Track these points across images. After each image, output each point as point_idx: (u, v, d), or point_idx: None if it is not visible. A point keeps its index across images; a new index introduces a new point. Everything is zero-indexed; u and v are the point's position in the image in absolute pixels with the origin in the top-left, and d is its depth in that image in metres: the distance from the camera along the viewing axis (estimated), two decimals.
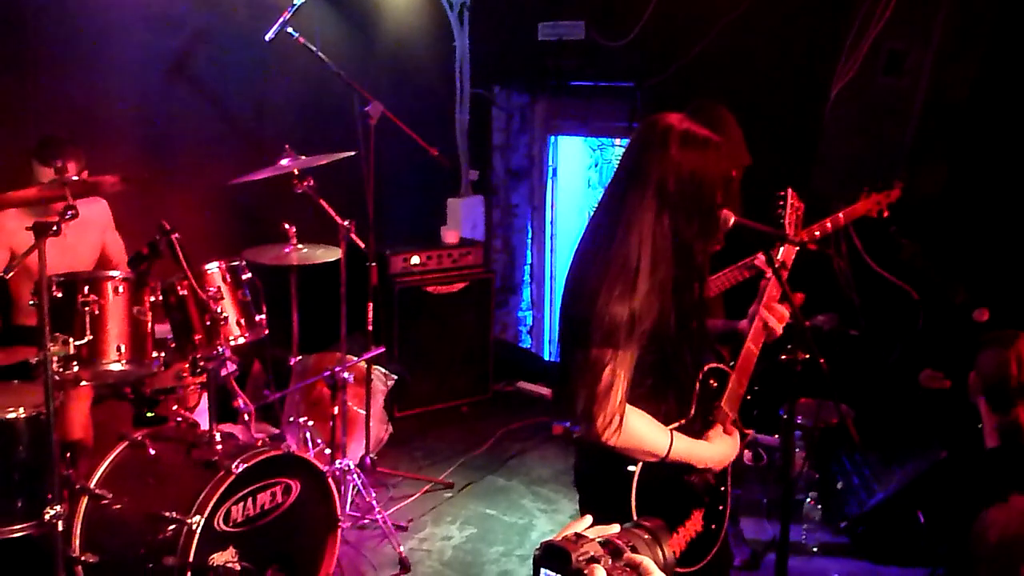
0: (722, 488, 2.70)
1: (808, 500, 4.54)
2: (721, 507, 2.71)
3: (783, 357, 2.99)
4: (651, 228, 2.40)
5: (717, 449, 2.59)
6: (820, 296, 3.27)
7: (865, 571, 4.31)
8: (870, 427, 4.68)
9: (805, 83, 5.24)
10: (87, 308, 3.49)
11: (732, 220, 2.84)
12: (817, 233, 3.79)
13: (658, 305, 2.40)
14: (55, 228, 3.20)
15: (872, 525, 4.38)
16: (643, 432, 2.43)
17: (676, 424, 2.54)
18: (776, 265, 2.84)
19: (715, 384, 2.65)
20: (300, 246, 4.60)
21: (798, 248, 3.08)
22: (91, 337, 3.49)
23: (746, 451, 5.15)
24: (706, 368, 2.63)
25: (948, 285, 4.97)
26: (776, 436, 5.41)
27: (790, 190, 3.16)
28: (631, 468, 2.46)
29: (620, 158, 2.56)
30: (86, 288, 3.51)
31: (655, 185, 2.41)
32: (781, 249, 2.97)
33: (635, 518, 2.37)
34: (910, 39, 4.68)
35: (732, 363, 2.71)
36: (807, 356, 2.94)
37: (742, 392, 2.70)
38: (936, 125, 4.71)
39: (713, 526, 2.66)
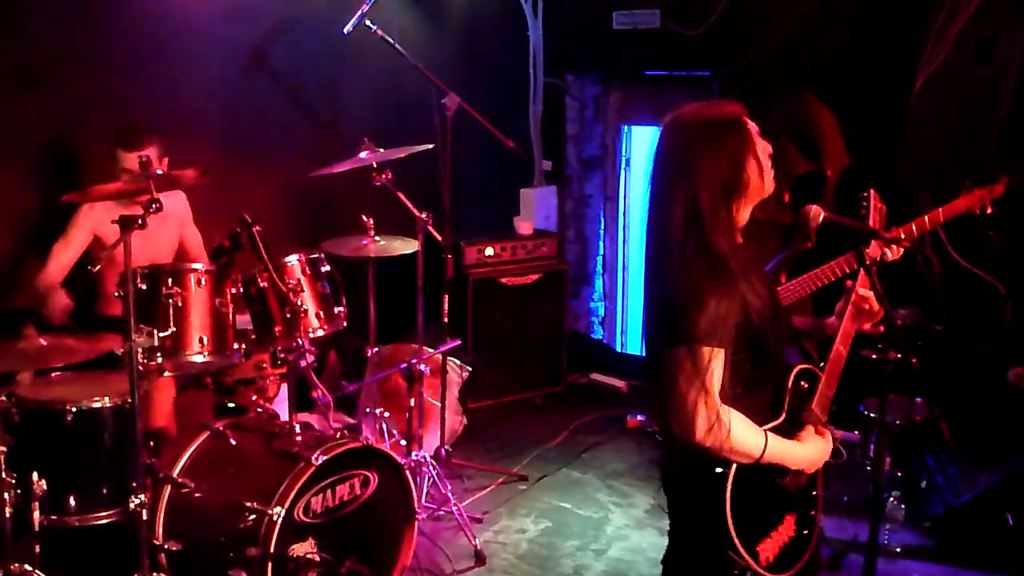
0: (813, 492, 2.64)
1: (891, 499, 4.44)
2: (812, 512, 2.64)
3: (873, 356, 2.92)
4: (720, 224, 2.40)
5: (810, 450, 2.54)
6: (902, 290, 3.18)
7: (949, 574, 4.20)
8: (956, 425, 4.56)
9: (889, 71, 5.11)
10: (171, 300, 3.53)
11: (822, 216, 2.78)
12: (915, 230, 3.66)
13: (742, 300, 2.38)
14: (140, 222, 3.25)
15: (958, 526, 4.27)
16: (739, 433, 2.38)
17: (769, 425, 2.49)
18: (867, 262, 2.77)
19: (806, 386, 2.60)
20: (377, 238, 4.61)
21: (901, 248, 2.99)
22: (174, 329, 3.53)
23: None
24: (797, 369, 2.59)
25: None
26: (856, 432, 5.31)
27: (872, 191, 3.06)
28: (723, 470, 2.42)
29: (655, 158, 2.50)
30: (170, 280, 3.55)
31: (704, 180, 2.40)
32: (874, 247, 2.88)
33: (730, 524, 2.38)
34: (1000, 26, 4.54)
35: (821, 364, 2.66)
36: (899, 356, 2.87)
37: (831, 394, 2.65)
38: None
39: (805, 531, 2.60)
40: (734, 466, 2.41)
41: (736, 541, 2.40)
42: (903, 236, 3.47)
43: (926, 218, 3.72)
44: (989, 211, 3.69)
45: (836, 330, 2.74)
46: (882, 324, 2.80)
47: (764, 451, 2.42)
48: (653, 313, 2.52)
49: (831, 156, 3.86)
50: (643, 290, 2.56)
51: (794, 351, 2.69)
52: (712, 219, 2.40)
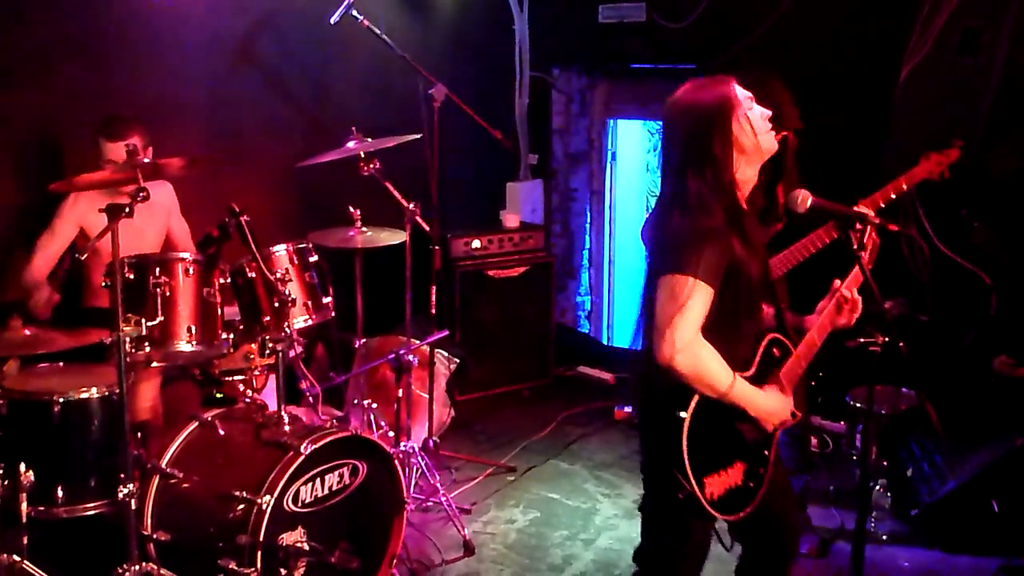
0: (765, 451, 2.82)
1: (877, 488, 4.47)
2: (761, 470, 2.82)
3: (860, 340, 2.95)
4: (692, 181, 2.65)
5: (771, 402, 2.75)
6: (888, 280, 3.21)
7: (936, 560, 4.23)
8: (942, 414, 4.58)
9: (874, 62, 5.14)
10: (158, 290, 3.51)
11: (810, 201, 2.80)
12: (881, 202, 3.75)
13: (738, 256, 2.62)
14: (128, 210, 3.23)
15: (944, 513, 4.29)
16: (709, 362, 2.59)
17: (740, 374, 2.68)
18: (855, 247, 2.79)
19: (778, 353, 2.82)
20: (364, 229, 4.60)
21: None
22: (162, 318, 3.51)
23: (812, 438, 5.09)
24: (772, 336, 2.82)
25: (1021, 269, 4.85)
26: (842, 423, 5.35)
27: (872, 229, 3.10)
28: (688, 396, 2.61)
29: (661, 140, 2.81)
30: (157, 270, 3.53)
31: (676, 149, 2.70)
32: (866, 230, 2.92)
33: (684, 447, 2.59)
34: (985, 16, 4.57)
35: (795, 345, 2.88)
36: (885, 339, 2.89)
37: (799, 373, 2.86)
38: (1011, 106, 4.60)
39: (751, 484, 2.79)
40: (697, 396, 2.62)
41: (686, 465, 2.60)
42: (872, 210, 3.50)
43: (890, 187, 3.80)
44: (946, 176, 3.84)
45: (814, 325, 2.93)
46: (866, 313, 2.92)
47: (730, 388, 2.63)
48: (650, 253, 2.75)
49: (787, 118, 3.90)
50: (647, 248, 2.79)
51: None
52: (715, 187, 2.64)
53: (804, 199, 2.78)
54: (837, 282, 2.96)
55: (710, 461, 2.67)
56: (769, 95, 3.94)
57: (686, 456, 2.60)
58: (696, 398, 2.62)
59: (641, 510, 2.92)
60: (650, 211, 2.83)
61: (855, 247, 2.80)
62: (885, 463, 4.66)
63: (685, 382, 2.59)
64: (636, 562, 3.00)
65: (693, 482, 2.62)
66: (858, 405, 4.81)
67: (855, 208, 2.94)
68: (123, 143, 3.92)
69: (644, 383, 2.78)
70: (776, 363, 2.83)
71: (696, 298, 2.53)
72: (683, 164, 2.67)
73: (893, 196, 3.84)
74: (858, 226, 2.89)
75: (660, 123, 2.76)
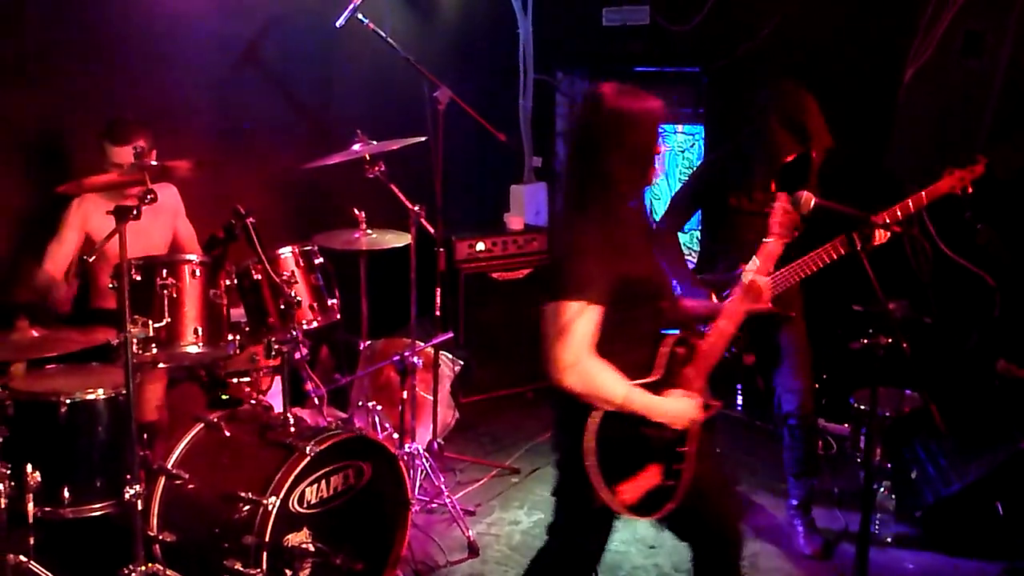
0: (681, 449, 2.87)
1: (881, 490, 4.47)
2: (679, 466, 2.87)
3: (864, 341, 2.96)
4: (604, 196, 2.71)
5: (673, 405, 2.80)
6: (891, 282, 3.23)
7: (940, 563, 4.23)
8: (946, 416, 4.60)
9: (878, 65, 5.15)
10: (165, 291, 3.53)
11: (813, 202, 2.82)
12: (899, 213, 3.72)
13: (619, 266, 2.68)
14: (135, 212, 3.25)
15: (948, 516, 4.30)
16: (601, 378, 2.67)
17: (639, 381, 2.75)
18: (858, 247, 2.81)
19: (683, 352, 2.87)
20: (369, 231, 4.62)
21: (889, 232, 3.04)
22: (169, 320, 3.53)
23: (817, 441, 5.10)
24: (674, 336, 2.88)
25: None
26: (846, 425, 5.35)
27: (784, 195, 3.12)
28: (591, 413, 2.69)
29: (568, 130, 2.78)
30: (164, 271, 3.55)
31: (599, 154, 2.70)
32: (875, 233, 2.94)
33: (593, 461, 2.65)
34: (988, 20, 4.59)
35: (704, 334, 2.95)
36: (889, 341, 2.91)
37: (713, 362, 2.91)
38: (1015, 108, 4.61)
39: (670, 482, 2.85)
40: (599, 412, 2.69)
41: (597, 479, 2.68)
42: (890, 220, 3.51)
43: (910, 201, 3.80)
44: (970, 191, 3.83)
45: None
46: (862, 304, 2.96)
47: (626, 399, 2.69)
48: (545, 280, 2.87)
49: (816, 137, 3.92)
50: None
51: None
52: (608, 194, 2.71)
53: (807, 200, 2.81)
54: (743, 266, 3.00)
55: (621, 469, 2.74)
56: (801, 111, 3.99)
57: (594, 473, 2.67)
58: (597, 415, 2.68)
59: (553, 494, 3.02)
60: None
61: (858, 247, 2.81)
62: (889, 465, 4.66)
63: (579, 399, 2.67)
64: (549, 534, 3.11)
65: (606, 494, 2.70)
66: (862, 407, 4.82)
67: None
68: (129, 147, 3.94)
69: (555, 393, 2.83)
70: (683, 361, 2.88)
71: (579, 319, 2.61)
72: (595, 170, 2.71)
73: (912, 209, 3.84)
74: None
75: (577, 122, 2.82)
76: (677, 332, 2.90)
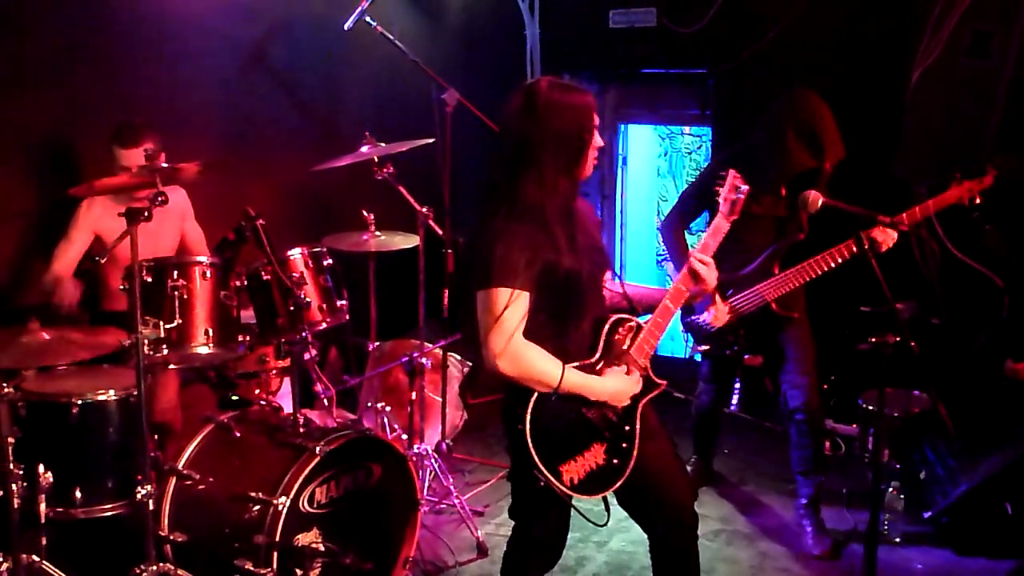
0: (627, 427, 2.91)
1: (890, 490, 4.47)
2: (625, 444, 2.91)
3: (872, 340, 2.97)
4: (532, 183, 2.72)
5: (610, 383, 2.86)
6: (899, 282, 3.24)
7: (949, 562, 4.24)
8: (954, 417, 4.60)
9: (885, 66, 5.16)
10: (176, 292, 3.55)
11: (821, 201, 2.84)
12: (907, 221, 3.73)
13: (547, 251, 2.72)
14: (147, 214, 3.27)
15: (957, 516, 4.30)
16: (534, 362, 2.72)
17: (578, 363, 2.81)
18: (866, 246, 2.82)
19: (622, 333, 2.93)
20: (378, 233, 4.63)
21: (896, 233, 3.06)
22: (180, 321, 3.56)
23: (825, 441, 5.10)
24: (614, 318, 2.92)
25: None
26: (854, 425, 5.36)
27: (732, 171, 3.12)
28: (526, 396, 2.74)
29: (501, 122, 2.86)
30: (175, 273, 3.58)
31: (531, 145, 2.72)
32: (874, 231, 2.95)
33: (529, 443, 2.70)
34: (995, 20, 4.59)
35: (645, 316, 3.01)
36: (897, 339, 2.92)
37: (655, 342, 2.96)
38: (1022, 108, 4.61)
39: (616, 460, 2.90)
40: (535, 393, 2.73)
41: (535, 459, 2.71)
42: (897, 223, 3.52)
43: (917, 209, 3.81)
44: (978, 201, 3.83)
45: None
46: (870, 305, 2.97)
47: (560, 381, 2.73)
48: (466, 267, 2.92)
49: (830, 150, 3.94)
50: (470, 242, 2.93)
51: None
52: (541, 183, 2.72)
53: (815, 199, 2.82)
54: (691, 249, 3.02)
55: (564, 450, 2.80)
56: (817, 123, 4.01)
57: (533, 452, 2.72)
58: (533, 396, 2.73)
59: (508, 479, 3.10)
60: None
61: (866, 247, 2.82)
62: (898, 466, 4.67)
63: (516, 383, 2.73)
64: (511, 516, 3.16)
65: (547, 474, 2.74)
66: (870, 408, 4.82)
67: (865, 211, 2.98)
68: (138, 149, 3.97)
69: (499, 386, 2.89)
70: (622, 342, 2.93)
71: (505, 304, 2.66)
72: (527, 161, 2.73)
73: (919, 217, 3.85)
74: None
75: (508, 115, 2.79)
76: (618, 315, 2.95)
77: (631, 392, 2.90)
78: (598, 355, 2.87)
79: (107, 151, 4.22)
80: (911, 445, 4.71)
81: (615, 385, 2.87)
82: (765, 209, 4.15)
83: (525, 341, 2.72)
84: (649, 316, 2.98)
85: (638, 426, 2.94)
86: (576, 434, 2.84)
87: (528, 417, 2.73)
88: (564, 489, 2.77)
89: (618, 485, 2.91)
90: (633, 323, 2.96)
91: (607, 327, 2.90)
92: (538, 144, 2.71)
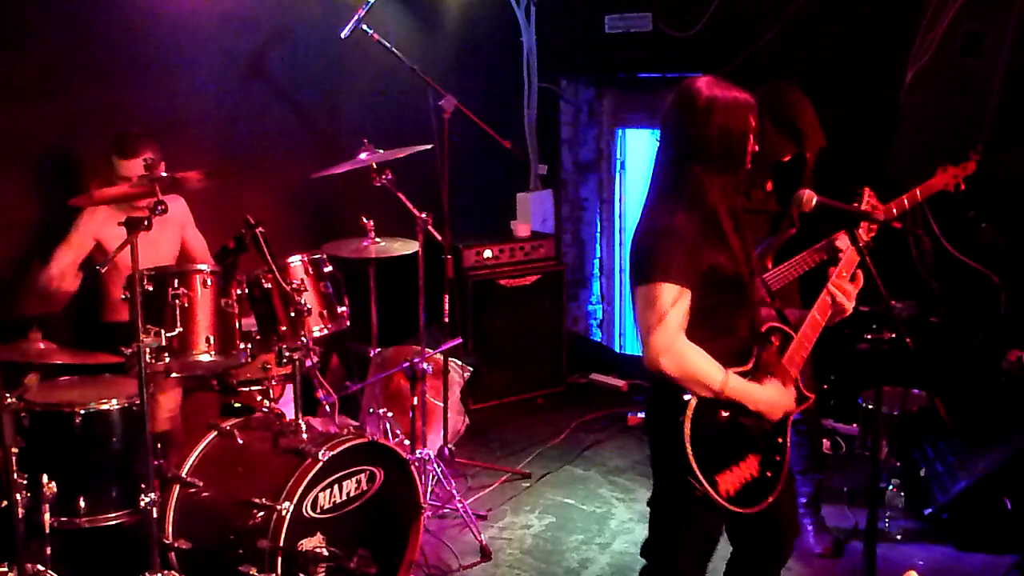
0: (779, 439, 2.84)
1: (890, 487, 4.49)
2: (778, 457, 2.83)
3: (868, 337, 2.99)
4: (696, 184, 2.68)
5: (771, 394, 2.78)
6: (898, 283, 3.27)
7: (950, 558, 4.25)
8: (953, 414, 4.61)
9: (879, 67, 5.18)
10: (177, 301, 3.56)
11: (815, 200, 2.85)
12: (895, 211, 3.77)
13: (711, 253, 2.66)
14: (147, 223, 3.30)
15: (957, 512, 4.32)
16: (698, 362, 2.64)
17: (736, 369, 2.71)
18: (860, 244, 2.83)
19: (777, 343, 2.84)
20: (377, 239, 4.66)
21: (876, 228, 3.08)
22: (181, 329, 3.57)
23: (824, 440, 5.12)
24: (769, 325, 2.84)
25: None
26: (854, 425, 5.38)
27: (867, 188, 3.17)
28: (686, 399, 2.65)
29: (661, 124, 2.79)
30: (176, 281, 3.59)
31: (694, 145, 2.68)
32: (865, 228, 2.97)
33: (688, 450, 2.61)
34: (988, 19, 4.61)
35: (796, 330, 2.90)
36: (892, 336, 2.93)
37: (804, 356, 2.88)
38: (1016, 107, 4.63)
39: (769, 473, 2.80)
40: (695, 397, 2.65)
41: (694, 466, 2.62)
42: (887, 217, 3.55)
43: (904, 199, 3.85)
44: (962, 188, 3.87)
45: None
46: (867, 304, 2.96)
47: (724, 385, 2.66)
48: (630, 263, 2.79)
49: (810, 137, 3.97)
50: (632, 238, 2.81)
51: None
52: (707, 182, 2.68)
53: (809, 198, 2.84)
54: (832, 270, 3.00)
55: (720, 459, 2.70)
56: (794, 111, 4.03)
57: (692, 458, 2.62)
58: (693, 400, 2.65)
59: (649, 504, 2.95)
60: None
61: (860, 245, 2.84)
62: (898, 463, 4.69)
63: (677, 384, 2.64)
64: (643, 555, 2.99)
65: (704, 482, 2.64)
66: (869, 407, 4.84)
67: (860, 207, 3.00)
68: (138, 159, 3.99)
69: (649, 388, 2.84)
70: (776, 352, 2.85)
71: (671, 300, 2.59)
72: (692, 160, 2.69)
73: (907, 206, 3.88)
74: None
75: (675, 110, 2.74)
76: (770, 324, 2.87)
77: (788, 407, 2.81)
78: (752, 363, 2.78)
79: (106, 161, 4.25)
80: (911, 443, 4.73)
81: (774, 396, 2.77)
82: (756, 205, 4.17)
83: (687, 341, 2.63)
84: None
85: (789, 440, 2.86)
86: (733, 443, 2.74)
87: (688, 422, 2.63)
88: (720, 500, 2.66)
89: (771, 500, 2.79)
90: (786, 332, 2.88)
91: (761, 335, 2.82)
92: (703, 143, 2.67)
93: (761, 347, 2.81)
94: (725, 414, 2.71)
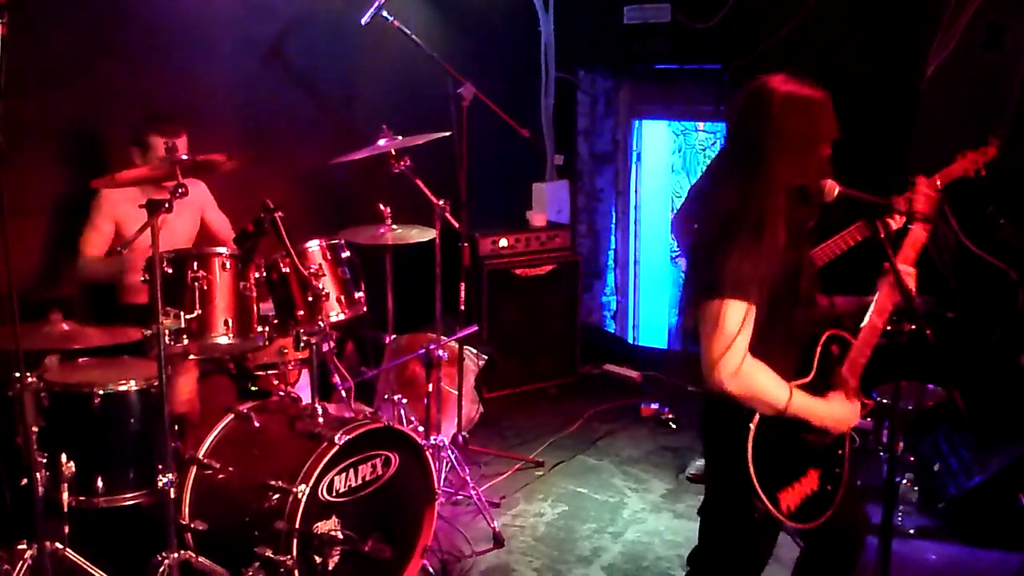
0: (839, 452, 2.78)
1: (904, 482, 4.49)
2: (838, 470, 2.77)
3: (887, 327, 2.97)
4: (764, 190, 2.53)
5: (835, 410, 2.68)
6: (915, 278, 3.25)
7: (963, 554, 4.25)
8: (969, 409, 4.60)
9: (900, 59, 5.16)
10: (196, 283, 3.59)
11: (837, 190, 2.84)
12: (915, 202, 3.74)
13: (775, 263, 2.52)
14: (168, 205, 3.31)
15: (971, 508, 4.31)
16: (763, 382, 2.54)
17: (797, 383, 2.62)
18: (883, 235, 2.82)
19: (837, 351, 2.73)
20: (394, 226, 4.67)
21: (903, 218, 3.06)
22: (200, 311, 3.59)
23: None
24: (828, 334, 2.73)
25: None
26: (869, 420, 5.36)
27: (921, 177, 3.12)
28: (747, 418, 2.56)
29: (728, 124, 2.71)
30: (195, 264, 3.61)
31: (764, 148, 2.55)
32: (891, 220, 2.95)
33: (751, 470, 2.52)
34: (1010, 12, 4.60)
35: (855, 333, 2.79)
36: (912, 328, 2.92)
37: (863, 362, 2.77)
38: None
39: (829, 487, 2.74)
40: (758, 415, 2.56)
41: (757, 486, 2.54)
42: (907, 208, 3.52)
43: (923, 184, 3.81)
44: (983, 174, 3.82)
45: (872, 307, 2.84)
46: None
47: (788, 403, 2.56)
48: (692, 277, 2.68)
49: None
50: (688, 252, 2.74)
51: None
52: (766, 186, 2.54)
53: (831, 188, 2.81)
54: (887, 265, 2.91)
55: (782, 476, 2.64)
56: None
57: (755, 480, 2.55)
58: (756, 419, 2.57)
59: (700, 513, 2.88)
60: (687, 199, 2.80)
61: (883, 236, 2.82)
62: (912, 458, 4.68)
63: (742, 403, 2.55)
64: (690, 564, 2.96)
65: (767, 502, 2.57)
66: (884, 401, 4.83)
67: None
68: (174, 140, 4.05)
69: (705, 401, 2.73)
70: (836, 360, 2.76)
71: (739, 319, 2.47)
72: (762, 165, 2.55)
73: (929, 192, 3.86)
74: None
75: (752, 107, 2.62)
76: (829, 330, 2.77)
77: (853, 421, 2.73)
78: (813, 375, 2.68)
79: (136, 141, 4.26)
80: (925, 438, 4.72)
81: (840, 412, 2.69)
82: None
83: (752, 360, 2.51)
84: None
85: (848, 450, 2.82)
86: (795, 460, 2.67)
87: (750, 444, 2.55)
88: (782, 517, 2.59)
89: (830, 513, 2.73)
90: (844, 338, 2.77)
91: (821, 344, 2.72)
92: (774, 147, 2.54)
93: (823, 358, 2.72)
94: (787, 430, 2.63)
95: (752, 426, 2.56)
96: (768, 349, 2.56)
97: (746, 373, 2.50)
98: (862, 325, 2.79)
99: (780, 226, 2.54)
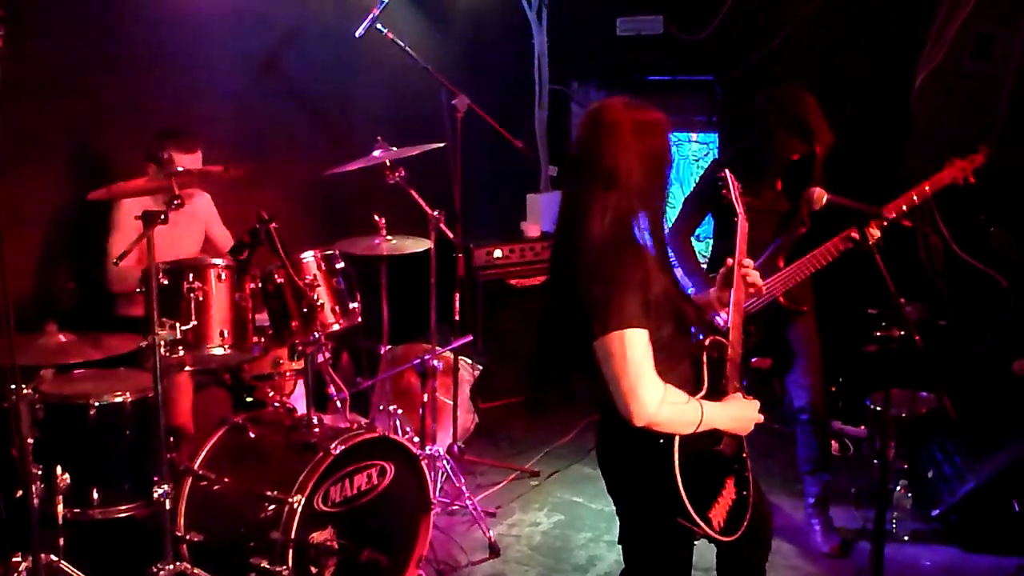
0: (744, 454, 2.79)
1: (898, 489, 4.51)
2: (746, 473, 2.79)
3: (877, 334, 3.00)
4: (625, 214, 2.53)
5: (737, 409, 2.69)
6: (906, 285, 3.28)
7: (957, 559, 4.26)
8: (962, 416, 4.63)
9: (890, 70, 5.20)
10: (192, 294, 3.59)
11: (826, 198, 2.88)
12: (904, 207, 3.78)
13: (655, 283, 2.51)
14: (163, 216, 3.33)
15: (965, 513, 4.33)
16: (680, 404, 2.51)
17: (700, 396, 2.62)
18: (871, 243, 2.86)
19: (716, 355, 2.72)
20: (390, 237, 4.69)
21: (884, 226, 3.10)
22: (195, 322, 3.59)
23: (833, 442, 5.13)
24: (707, 341, 2.71)
25: None
26: (862, 427, 5.39)
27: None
28: (666, 443, 2.53)
29: (574, 150, 2.66)
30: (191, 275, 3.62)
31: (618, 173, 2.52)
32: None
33: (683, 494, 2.49)
34: (998, 23, 4.64)
35: (725, 331, 2.81)
36: (902, 333, 2.95)
37: (739, 359, 2.79)
38: None
39: (744, 492, 2.75)
40: (677, 438, 2.52)
41: (691, 511, 2.52)
42: (897, 215, 3.55)
43: (913, 193, 3.85)
44: (972, 181, 3.85)
45: (726, 301, 2.86)
46: (875, 306, 2.93)
47: (702, 416, 2.54)
48: (572, 310, 2.59)
49: (819, 134, 3.98)
50: (556, 286, 2.68)
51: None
52: (627, 208, 2.53)
53: (820, 196, 2.86)
54: (730, 260, 2.90)
55: (707, 494, 2.63)
56: (803, 109, 4.05)
57: (686, 500, 2.52)
58: (676, 444, 2.53)
59: (621, 543, 2.85)
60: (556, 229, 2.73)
61: (871, 243, 2.85)
62: (906, 465, 4.69)
63: (665, 432, 2.52)
64: None
65: (703, 525, 2.56)
66: (877, 408, 4.85)
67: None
68: (196, 154, 4.19)
69: (605, 436, 2.73)
70: (720, 364, 2.74)
71: (643, 346, 2.44)
72: (616, 186, 2.53)
73: (916, 201, 3.89)
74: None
75: (593, 133, 2.60)
76: (701, 337, 2.76)
77: (756, 417, 2.72)
78: (706, 385, 2.67)
79: (153, 157, 4.26)
80: (919, 444, 4.74)
81: (743, 411, 2.70)
82: (766, 204, 4.17)
83: (661, 383, 2.47)
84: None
85: (746, 450, 2.81)
86: (713, 474, 2.67)
87: (678, 470, 2.50)
88: (716, 535, 2.59)
89: (749, 517, 2.73)
90: (719, 342, 2.74)
91: (704, 354, 2.69)
92: (625, 168, 2.52)
93: (711, 366, 2.70)
94: (703, 448, 2.61)
95: (675, 453, 2.51)
96: (665, 370, 2.52)
97: (667, 401, 2.46)
98: (729, 326, 2.82)
99: (650, 247, 2.55)
